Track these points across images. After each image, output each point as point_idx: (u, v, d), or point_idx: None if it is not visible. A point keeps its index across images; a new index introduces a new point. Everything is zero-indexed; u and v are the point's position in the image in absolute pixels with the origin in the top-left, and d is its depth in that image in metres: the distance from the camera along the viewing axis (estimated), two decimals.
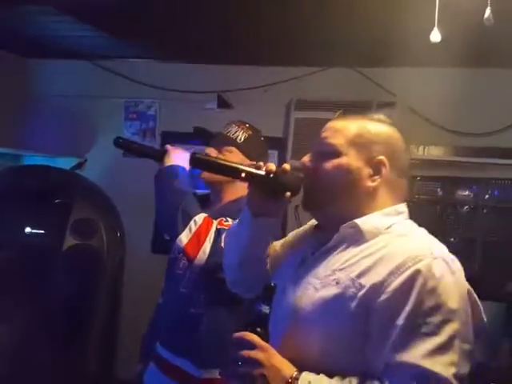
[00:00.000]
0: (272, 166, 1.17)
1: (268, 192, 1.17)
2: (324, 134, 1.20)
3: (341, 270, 1.09)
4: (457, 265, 1.08)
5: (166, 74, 3.69)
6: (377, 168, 1.15)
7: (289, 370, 1.04)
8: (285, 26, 2.75)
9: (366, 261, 1.08)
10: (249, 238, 1.25)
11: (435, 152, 3.23)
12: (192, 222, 1.75)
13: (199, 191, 2.05)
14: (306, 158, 1.21)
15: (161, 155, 1.94)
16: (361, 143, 1.16)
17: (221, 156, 1.87)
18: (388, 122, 1.22)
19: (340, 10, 2.50)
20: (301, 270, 1.17)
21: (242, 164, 1.20)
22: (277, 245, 1.37)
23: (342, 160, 1.15)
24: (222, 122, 3.46)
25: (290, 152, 3.24)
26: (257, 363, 1.03)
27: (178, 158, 1.92)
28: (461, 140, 3.23)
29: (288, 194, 1.16)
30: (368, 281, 1.04)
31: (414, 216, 1.24)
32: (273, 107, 3.43)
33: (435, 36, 1.79)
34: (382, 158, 1.15)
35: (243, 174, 1.16)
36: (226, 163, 1.22)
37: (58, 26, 3.13)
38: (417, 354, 0.97)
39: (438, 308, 1.00)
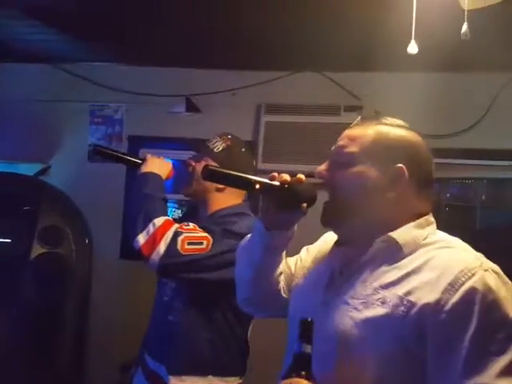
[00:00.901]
0: (286, 177, 1.13)
1: (283, 203, 1.13)
2: (340, 143, 1.15)
3: (384, 288, 1.02)
4: (503, 274, 1.03)
5: (132, 77, 3.65)
6: (395, 177, 1.09)
7: None
8: (252, 29, 2.77)
9: (413, 277, 1.01)
10: (261, 252, 1.20)
11: None
12: (150, 224, 1.77)
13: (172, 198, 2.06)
14: (323, 167, 1.16)
15: (139, 163, 1.96)
16: (378, 151, 1.10)
17: (194, 162, 1.92)
18: (406, 126, 1.17)
19: (308, 14, 2.54)
20: (331, 291, 1.10)
21: (255, 175, 1.17)
22: (291, 263, 1.32)
23: (358, 169, 1.10)
24: (190, 126, 3.52)
25: (261, 156, 3.28)
26: None
27: (155, 165, 1.94)
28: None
29: (304, 205, 1.12)
30: (419, 298, 0.98)
31: None
32: (241, 111, 3.45)
33: (412, 48, 1.83)
34: (400, 166, 1.09)
35: (257, 186, 1.12)
36: (240, 175, 1.17)
37: (20, 29, 3.06)
38: (490, 374, 0.92)
39: (502, 322, 0.96)
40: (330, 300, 1.08)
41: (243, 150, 1.98)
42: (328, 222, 1.15)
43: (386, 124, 1.16)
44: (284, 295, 1.28)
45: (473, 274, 0.98)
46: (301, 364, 0.95)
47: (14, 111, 3.74)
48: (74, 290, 3.20)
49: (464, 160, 3.44)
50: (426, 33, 1.96)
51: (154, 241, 1.74)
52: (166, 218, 1.81)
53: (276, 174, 1.14)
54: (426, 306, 0.97)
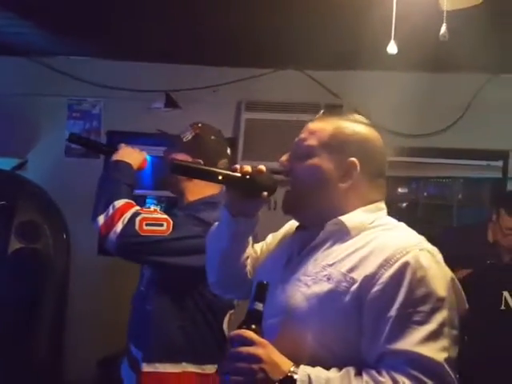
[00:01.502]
0: (247, 168, 1.20)
1: (245, 193, 1.21)
2: (302, 136, 1.23)
3: (331, 265, 1.12)
4: (439, 255, 1.13)
5: (111, 72, 3.61)
6: (348, 170, 1.18)
7: (286, 364, 1.05)
8: (234, 27, 2.77)
9: (356, 255, 1.11)
10: (229, 238, 1.28)
11: None
12: (111, 206, 1.79)
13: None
14: (284, 158, 1.24)
15: (112, 151, 1.96)
16: (334, 145, 1.19)
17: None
18: (365, 122, 1.25)
19: (290, 13, 2.55)
20: (288, 270, 1.20)
21: (219, 168, 1.23)
22: (257, 247, 1.41)
23: (314, 161, 1.19)
24: (169, 122, 3.49)
25: (241, 152, 3.28)
26: (257, 359, 1.03)
27: (127, 154, 1.94)
28: (402, 141, 3.37)
29: (265, 193, 1.20)
30: (359, 274, 1.08)
31: None
32: (222, 108, 3.44)
33: (392, 48, 1.85)
34: (353, 159, 1.17)
35: (220, 177, 1.20)
36: (203, 168, 1.24)
37: None
38: (410, 341, 1.01)
39: (427, 297, 1.04)
40: (286, 278, 1.18)
41: (213, 137, 1.96)
42: (288, 210, 1.24)
43: (346, 120, 1.24)
44: (250, 277, 1.36)
45: (408, 252, 1.08)
46: (251, 319, 1.07)
47: None
48: (51, 285, 3.16)
49: (441, 159, 3.49)
50: (406, 33, 1.98)
51: (112, 221, 1.76)
52: (127, 200, 1.82)
53: (238, 166, 1.21)
54: (364, 280, 1.07)
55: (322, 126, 1.22)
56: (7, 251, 2.96)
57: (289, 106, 3.24)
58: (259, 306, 1.07)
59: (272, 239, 1.40)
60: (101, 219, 1.78)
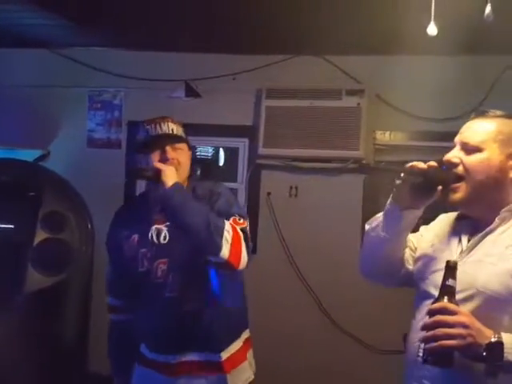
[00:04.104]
0: (422, 164, 1.31)
1: (421, 190, 1.32)
2: (465, 134, 1.36)
3: None
4: None
5: (131, 62, 3.63)
6: None
7: (488, 331, 1.16)
8: (252, 13, 2.74)
9: None
10: (394, 231, 1.40)
11: (399, 137, 3.33)
12: (226, 233, 1.75)
13: None
14: (451, 155, 1.36)
15: (156, 174, 1.83)
16: (501, 139, 1.33)
17: (173, 154, 1.88)
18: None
19: None
20: (462, 253, 1.32)
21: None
22: (413, 238, 1.51)
23: (485, 155, 1.32)
24: (189, 111, 3.50)
25: (262, 140, 3.26)
26: (465, 325, 1.15)
27: (173, 174, 1.83)
28: (424, 125, 3.33)
29: (440, 187, 1.32)
30: None
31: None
32: (241, 95, 3.44)
33: (432, 29, 1.82)
34: None
35: (398, 181, 1.33)
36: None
37: (18, 14, 3.02)
38: None
39: None
40: (462, 263, 1.27)
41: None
42: (461, 202, 1.34)
43: (502, 116, 1.38)
44: (409, 266, 1.48)
45: None
46: (447, 294, 1.19)
47: (12, 97, 3.72)
48: (77, 275, 3.20)
49: None
50: (436, 15, 1.93)
51: (236, 248, 1.77)
52: (224, 220, 1.79)
53: (414, 163, 1.31)
54: None
55: (484, 124, 1.35)
56: (33, 242, 3.01)
57: (310, 92, 3.20)
58: (453, 283, 1.19)
59: (426, 232, 1.51)
60: (225, 251, 1.73)
